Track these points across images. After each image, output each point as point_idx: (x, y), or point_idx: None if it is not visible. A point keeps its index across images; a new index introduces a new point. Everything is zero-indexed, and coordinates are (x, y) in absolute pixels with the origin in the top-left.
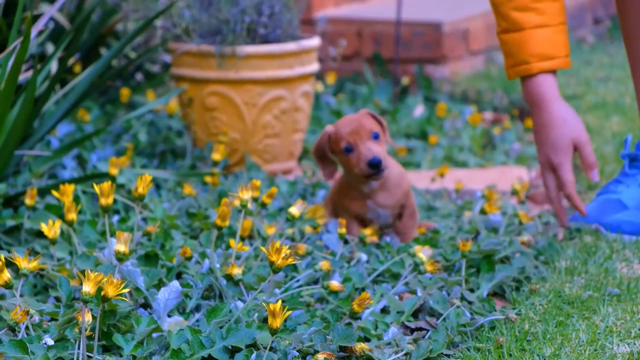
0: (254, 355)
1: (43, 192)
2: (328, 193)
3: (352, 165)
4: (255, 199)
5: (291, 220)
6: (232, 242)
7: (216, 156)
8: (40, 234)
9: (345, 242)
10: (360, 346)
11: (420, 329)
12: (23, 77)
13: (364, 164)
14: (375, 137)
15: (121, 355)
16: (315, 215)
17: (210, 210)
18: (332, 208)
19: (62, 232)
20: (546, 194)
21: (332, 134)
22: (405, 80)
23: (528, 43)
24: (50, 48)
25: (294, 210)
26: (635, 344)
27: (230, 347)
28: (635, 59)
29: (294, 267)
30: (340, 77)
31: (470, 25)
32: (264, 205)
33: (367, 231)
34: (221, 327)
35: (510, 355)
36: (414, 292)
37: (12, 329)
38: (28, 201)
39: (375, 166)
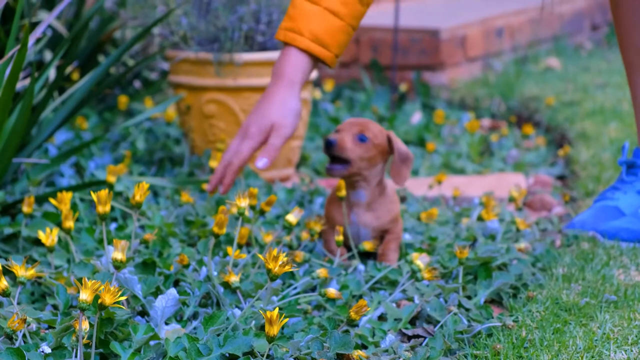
0: None
1: (41, 200)
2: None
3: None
4: (252, 207)
5: (288, 227)
6: (229, 249)
7: (214, 163)
8: (37, 242)
9: (349, 249)
10: (358, 353)
11: (417, 336)
12: (21, 84)
13: (323, 144)
14: (362, 139)
15: None
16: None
17: (208, 217)
18: (325, 215)
19: (59, 240)
20: (224, 155)
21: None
22: (403, 87)
23: (314, 19)
24: (48, 55)
25: (291, 217)
26: (632, 350)
27: (227, 355)
28: (630, 66)
29: (292, 275)
30: (338, 84)
31: (467, 32)
32: (262, 213)
33: (367, 245)
34: (218, 335)
35: None
36: (411, 299)
37: (10, 337)
38: (26, 209)
39: (327, 145)
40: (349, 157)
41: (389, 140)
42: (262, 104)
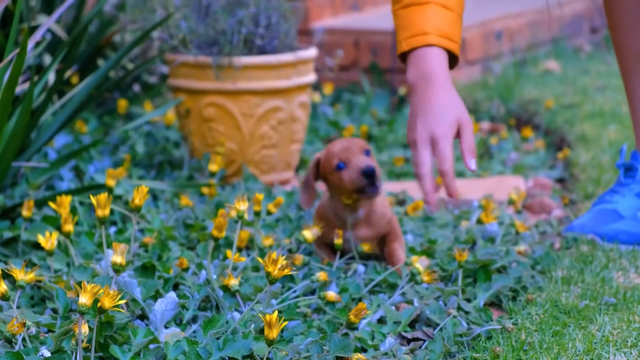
0: None
1: (40, 204)
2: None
3: (345, 181)
4: (257, 213)
5: (304, 242)
6: (229, 253)
7: (213, 167)
8: (37, 246)
9: (341, 255)
10: (357, 357)
11: (417, 339)
12: (20, 88)
13: (358, 174)
14: (367, 153)
15: None
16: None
17: (207, 221)
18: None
19: (59, 244)
20: (416, 171)
21: (322, 157)
22: (402, 90)
23: (431, 17)
24: (47, 59)
25: (308, 234)
26: (631, 353)
27: (227, 358)
28: (627, 69)
29: (291, 278)
30: (338, 87)
31: (466, 35)
32: (269, 214)
33: (365, 247)
34: (218, 338)
35: None
36: (410, 302)
37: (9, 341)
38: (25, 213)
39: (370, 175)
40: (379, 176)
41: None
42: (435, 105)
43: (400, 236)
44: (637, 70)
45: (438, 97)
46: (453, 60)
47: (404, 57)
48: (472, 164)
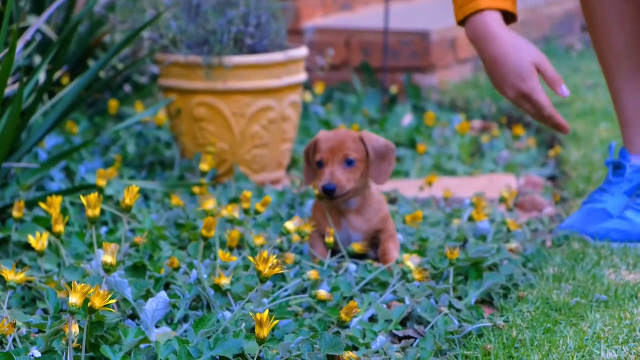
0: None
1: (31, 205)
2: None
3: (316, 179)
4: (246, 211)
5: (286, 234)
6: (220, 252)
7: (204, 167)
8: (28, 247)
9: (333, 253)
10: (349, 355)
11: (408, 337)
12: (10, 89)
13: (320, 187)
14: (349, 163)
15: None
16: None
17: (198, 221)
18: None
19: (50, 244)
20: (536, 115)
21: (317, 142)
22: (393, 90)
23: None
24: (38, 60)
25: (290, 226)
26: (622, 350)
27: (218, 358)
28: (609, 70)
29: (282, 277)
30: (329, 86)
31: (458, 34)
32: (257, 213)
33: (356, 247)
34: (209, 338)
35: None
36: (402, 301)
37: (0, 342)
38: (16, 214)
39: (327, 193)
40: (348, 190)
41: (363, 143)
42: (506, 62)
43: (395, 236)
44: (619, 71)
45: (504, 52)
46: (510, 17)
47: (463, 24)
48: (563, 90)
